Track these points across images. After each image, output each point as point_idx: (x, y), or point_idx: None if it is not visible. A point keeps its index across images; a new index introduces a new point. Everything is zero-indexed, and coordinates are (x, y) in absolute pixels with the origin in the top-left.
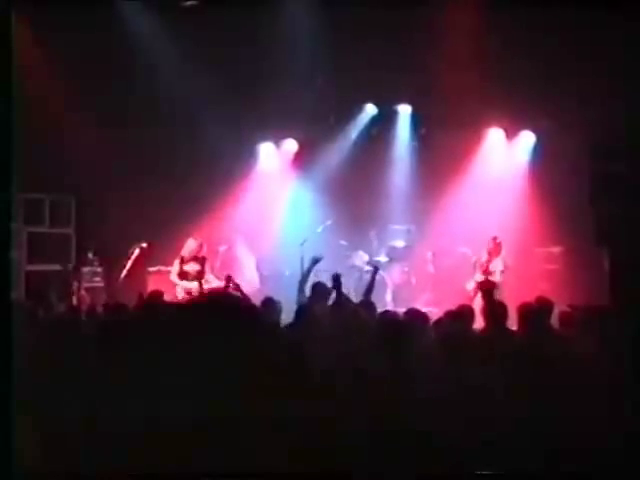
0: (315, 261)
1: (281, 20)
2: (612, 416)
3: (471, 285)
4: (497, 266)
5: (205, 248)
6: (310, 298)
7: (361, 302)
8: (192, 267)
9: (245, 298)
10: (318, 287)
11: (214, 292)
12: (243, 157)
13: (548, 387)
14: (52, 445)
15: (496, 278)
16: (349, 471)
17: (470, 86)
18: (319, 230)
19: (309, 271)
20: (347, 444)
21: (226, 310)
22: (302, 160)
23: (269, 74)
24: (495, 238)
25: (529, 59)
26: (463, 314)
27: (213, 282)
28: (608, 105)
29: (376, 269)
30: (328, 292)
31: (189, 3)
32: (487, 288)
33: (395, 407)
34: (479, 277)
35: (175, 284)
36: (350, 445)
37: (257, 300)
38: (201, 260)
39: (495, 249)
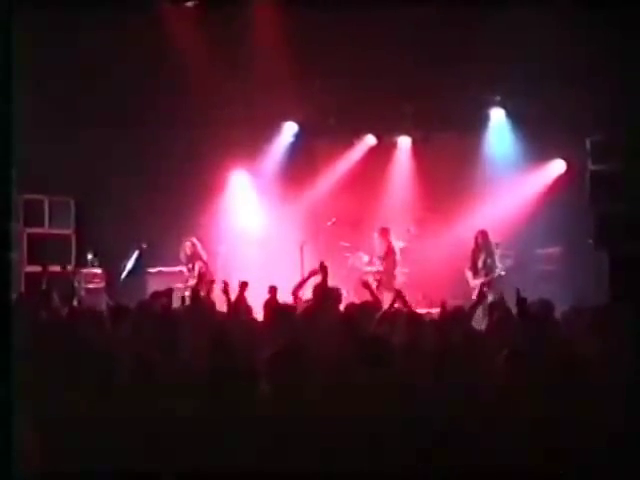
0: (312, 274)
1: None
2: (613, 416)
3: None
4: (493, 261)
5: (199, 249)
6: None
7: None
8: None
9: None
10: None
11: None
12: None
13: (548, 387)
14: (52, 445)
15: (495, 273)
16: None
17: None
18: (329, 224)
19: (304, 281)
20: (348, 446)
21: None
22: (302, 160)
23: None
24: (483, 232)
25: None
26: (460, 315)
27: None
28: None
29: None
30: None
31: (190, 3)
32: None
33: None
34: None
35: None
36: (351, 446)
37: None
38: (193, 260)
39: (484, 243)
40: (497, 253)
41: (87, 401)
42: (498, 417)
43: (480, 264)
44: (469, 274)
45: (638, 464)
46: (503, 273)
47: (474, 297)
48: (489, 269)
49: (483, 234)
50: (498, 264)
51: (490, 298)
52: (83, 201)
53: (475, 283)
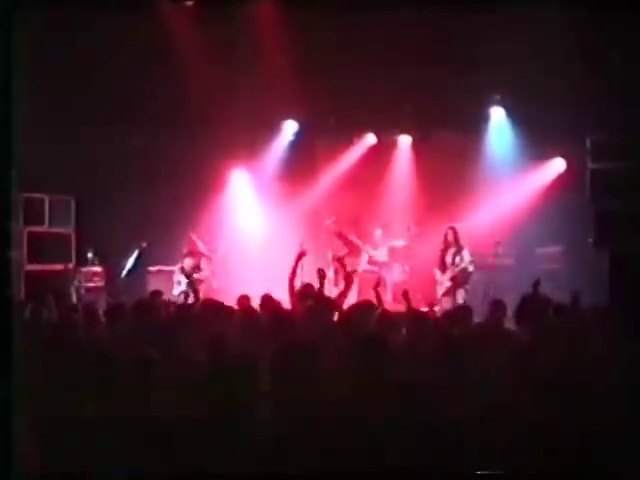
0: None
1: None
2: (611, 415)
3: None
4: (464, 258)
5: (200, 244)
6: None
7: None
8: (187, 263)
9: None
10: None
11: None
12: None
13: (547, 386)
14: (52, 446)
15: (469, 269)
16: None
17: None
18: (328, 222)
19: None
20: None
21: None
22: (302, 158)
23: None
24: (452, 228)
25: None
26: (461, 314)
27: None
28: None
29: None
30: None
31: (190, 2)
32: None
33: (395, 406)
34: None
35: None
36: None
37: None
38: (196, 255)
39: (453, 239)
40: (466, 249)
41: (87, 401)
42: (498, 417)
43: (449, 260)
44: (437, 272)
45: (638, 464)
46: (471, 269)
47: (440, 293)
48: (458, 264)
49: (453, 230)
50: (468, 260)
51: (461, 292)
52: (83, 200)
53: (443, 279)
